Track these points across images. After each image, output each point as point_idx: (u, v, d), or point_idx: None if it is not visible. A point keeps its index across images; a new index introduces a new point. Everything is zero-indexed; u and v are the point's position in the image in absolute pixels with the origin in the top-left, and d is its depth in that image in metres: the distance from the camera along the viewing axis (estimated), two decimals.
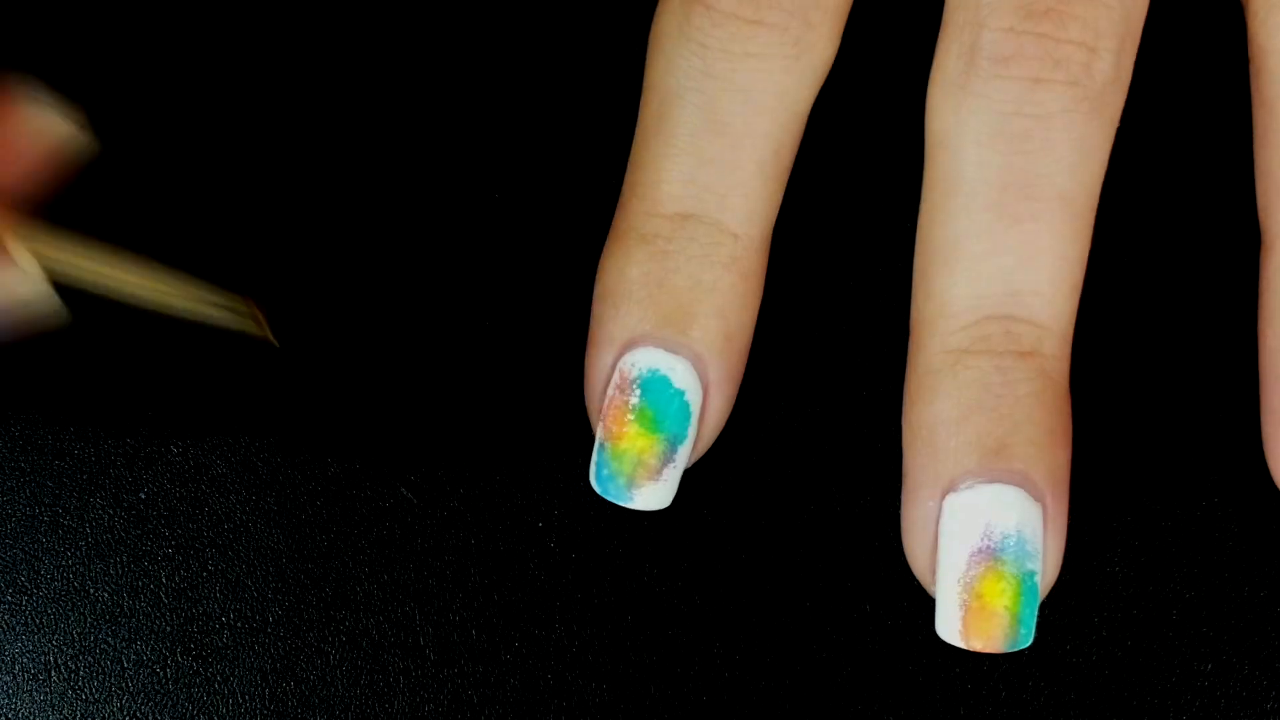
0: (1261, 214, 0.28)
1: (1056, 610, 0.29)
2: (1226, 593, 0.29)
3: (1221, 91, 0.29)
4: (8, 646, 0.29)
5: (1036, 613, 0.26)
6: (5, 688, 0.29)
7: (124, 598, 0.29)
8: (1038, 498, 0.26)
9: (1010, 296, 0.27)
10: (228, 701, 0.29)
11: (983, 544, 0.26)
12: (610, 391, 0.27)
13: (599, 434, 0.27)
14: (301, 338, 0.30)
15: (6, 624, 0.29)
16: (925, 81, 0.29)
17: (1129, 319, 0.29)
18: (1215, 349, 0.29)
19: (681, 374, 0.27)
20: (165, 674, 0.29)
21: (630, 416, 0.27)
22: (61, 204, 0.30)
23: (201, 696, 0.29)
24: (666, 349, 0.27)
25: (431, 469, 0.29)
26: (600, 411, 0.27)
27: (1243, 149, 0.28)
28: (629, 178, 0.28)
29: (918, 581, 0.28)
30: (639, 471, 0.27)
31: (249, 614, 0.29)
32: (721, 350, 0.27)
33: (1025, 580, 0.26)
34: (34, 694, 0.29)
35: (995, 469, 0.26)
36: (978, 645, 0.26)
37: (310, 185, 0.30)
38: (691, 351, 0.27)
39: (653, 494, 0.27)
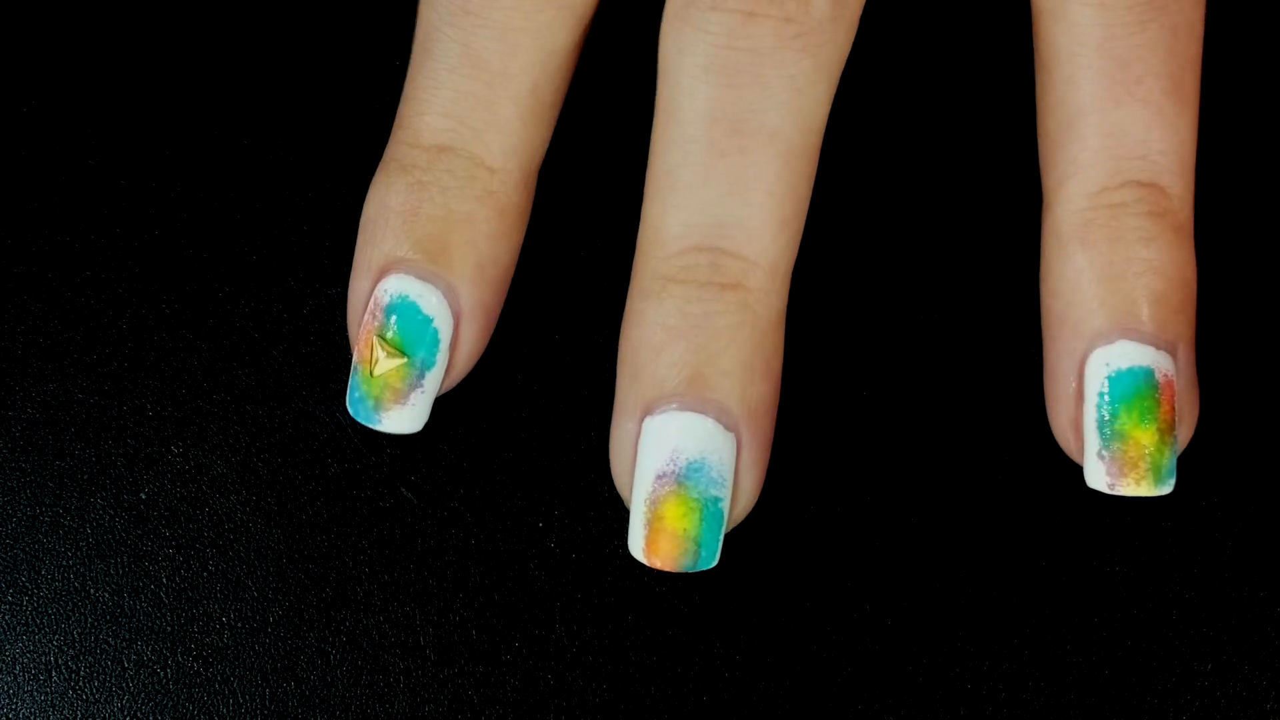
0: (1042, 175, 0.28)
1: (1056, 610, 0.29)
2: (1226, 593, 0.29)
3: None
4: (8, 647, 0.29)
5: (720, 538, 0.27)
6: (6, 688, 0.29)
7: (124, 598, 0.29)
8: (731, 428, 0.27)
9: (717, 228, 0.27)
10: (228, 702, 0.29)
11: (669, 468, 0.27)
12: (365, 317, 0.28)
13: (354, 358, 0.28)
14: (301, 337, 0.30)
15: (7, 624, 0.29)
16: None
17: None
18: (1214, 349, 0.29)
19: (431, 301, 0.27)
20: (166, 674, 0.29)
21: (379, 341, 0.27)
22: (60, 205, 0.30)
23: (202, 697, 0.29)
24: (417, 276, 0.27)
25: (431, 469, 0.29)
26: (356, 336, 0.28)
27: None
28: (399, 109, 0.28)
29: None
30: (386, 395, 0.27)
31: (249, 614, 0.29)
32: (474, 280, 0.27)
33: (708, 506, 0.27)
34: (34, 694, 0.29)
35: (689, 396, 0.27)
36: (657, 563, 0.27)
37: (307, 183, 0.30)
38: (443, 280, 0.27)
39: (400, 417, 0.28)
